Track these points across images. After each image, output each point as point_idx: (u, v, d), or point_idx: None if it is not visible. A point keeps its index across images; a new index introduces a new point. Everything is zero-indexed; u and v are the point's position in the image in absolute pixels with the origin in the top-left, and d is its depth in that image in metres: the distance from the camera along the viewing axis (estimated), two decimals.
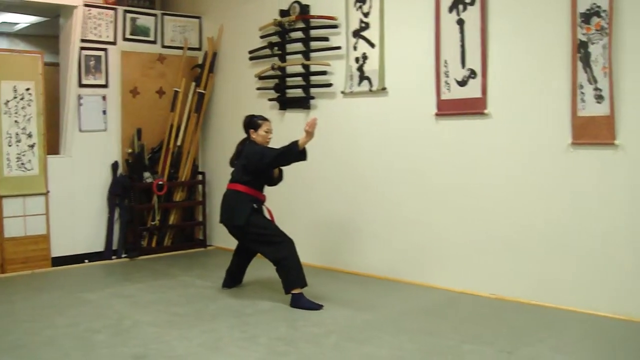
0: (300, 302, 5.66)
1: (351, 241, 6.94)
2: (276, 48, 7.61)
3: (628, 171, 5.14)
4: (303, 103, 7.37)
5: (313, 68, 7.27)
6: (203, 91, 8.43)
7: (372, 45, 6.69)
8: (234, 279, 6.45)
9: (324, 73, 7.14)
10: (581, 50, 5.31)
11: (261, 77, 7.81)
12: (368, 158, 6.79)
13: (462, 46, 6.00)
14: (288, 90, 7.55)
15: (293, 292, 5.70)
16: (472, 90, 5.95)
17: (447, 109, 6.10)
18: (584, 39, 5.30)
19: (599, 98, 5.23)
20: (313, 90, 7.29)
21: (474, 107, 5.94)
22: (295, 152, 5.72)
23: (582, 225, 5.39)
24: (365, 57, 6.75)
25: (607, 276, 5.26)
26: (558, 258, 5.53)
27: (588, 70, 5.29)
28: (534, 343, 4.67)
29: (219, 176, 8.45)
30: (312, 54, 7.28)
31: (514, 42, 5.72)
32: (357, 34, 6.81)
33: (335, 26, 7.01)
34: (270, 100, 7.71)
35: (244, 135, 6.12)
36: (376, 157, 6.74)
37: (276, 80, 7.64)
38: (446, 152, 6.17)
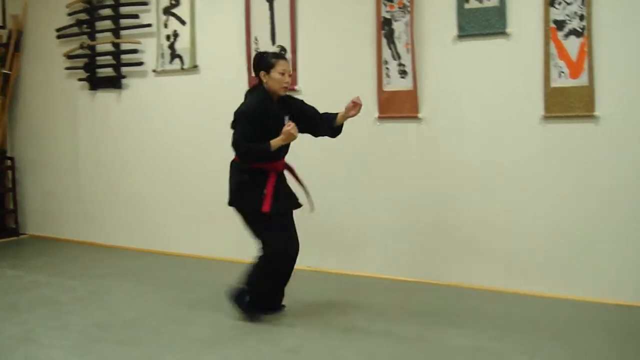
0: (239, 300, 4.74)
1: (170, 222, 6.88)
2: (85, 26, 7.35)
3: (430, 142, 5.43)
4: (114, 82, 7.17)
5: (124, 46, 7.08)
6: (8, 72, 8.01)
7: (183, 22, 6.60)
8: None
9: (135, 51, 6.98)
10: (385, 27, 5.51)
11: (70, 57, 7.52)
12: (181, 135, 6.75)
13: (272, 23, 6.05)
14: (98, 70, 7.31)
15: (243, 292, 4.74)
16: None
17: None
18: (387, 16, 5.49)
19: (403, 73, 5.45)
20: (124, 69, 7.12)
21: None
22: (266, 155, 4.49)
23: (387, 195, 5.66)
24: (176, 34, 6.66)
25: (403, 243, 5.59)
26: (363, 229, 5.80)
27: (392, 47, 5.49)
28: (351, 312, 4.84)
29: (30, 161, 8.10)
30: (123, 32, 7.09)
31: (323, 19, 5.86)
32: (167, 11, 6.70)
33: (145, 3, 6.87)
34: (80, 80, 7.44)
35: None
36: (189, 134, 6.71)
37: (86, 60, 7.39)
38: None
